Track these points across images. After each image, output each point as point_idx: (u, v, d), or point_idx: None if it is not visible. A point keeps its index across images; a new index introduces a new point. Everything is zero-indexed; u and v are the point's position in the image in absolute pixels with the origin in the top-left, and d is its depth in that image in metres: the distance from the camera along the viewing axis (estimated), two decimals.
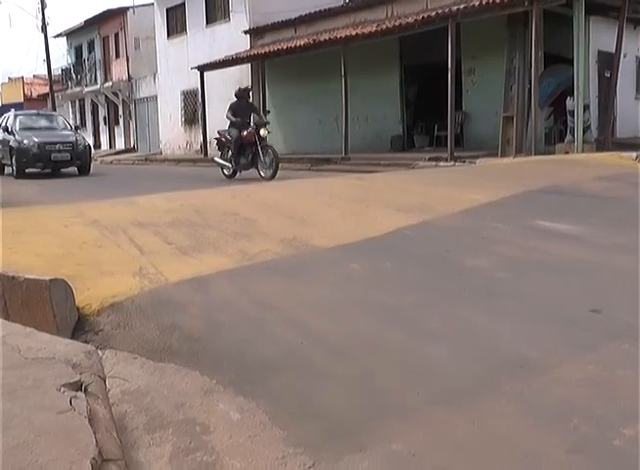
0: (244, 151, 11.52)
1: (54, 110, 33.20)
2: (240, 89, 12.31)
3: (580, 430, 2.03)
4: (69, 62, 35.02)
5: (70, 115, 35.93)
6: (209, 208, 5.42)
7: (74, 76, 33.92)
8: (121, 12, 29.33)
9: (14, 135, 15.20)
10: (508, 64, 13.44)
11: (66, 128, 16.54)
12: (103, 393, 2.03)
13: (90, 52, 32.92)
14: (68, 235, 4.35)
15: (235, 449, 1.93)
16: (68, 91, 34.61)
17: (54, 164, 14.94)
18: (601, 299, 3.25)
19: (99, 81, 31.78)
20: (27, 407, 1.75)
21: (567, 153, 11.97)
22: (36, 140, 14.67)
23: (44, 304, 2.95)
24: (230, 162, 11.95)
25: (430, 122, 16.55)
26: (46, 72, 33.28)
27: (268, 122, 12.39)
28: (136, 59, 28.95)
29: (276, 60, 17.94)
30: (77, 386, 1.93)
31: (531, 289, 3.45)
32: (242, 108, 11.94)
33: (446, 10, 13.38)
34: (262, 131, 11.47)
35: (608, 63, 13.71)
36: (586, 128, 12.31)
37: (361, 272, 3.71)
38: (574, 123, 12.22)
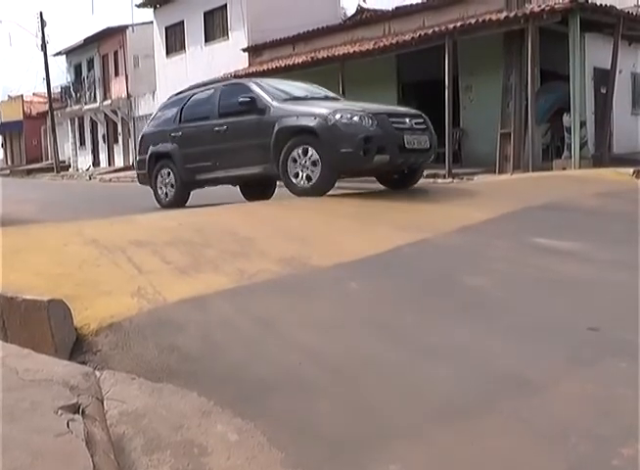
0: None
1: (53, 129, 33.44)
2: None
3: (579, 449, 2.02)
4: (69, 80, 35.31)
5: (70, 133, 36.14)
6: (208, 226, 5.43)
7: (74, 94, 34.19)
8: (121, 30, 29.65)
9: (269, 111, 7.82)
10: (505, 81, 13.55)
11: (337, 98, 9.22)
12: (100, 415, 2.03)
13: (89, 70, 33.20)
14: (66, 254, 4.34)
15: None
16: (68, 109, 34.82)
17: (407, 155, 7.51)
18: (599, 316, 3.25)
19: (98, 99, 32.02)
20: (25, 430, 1.75)
21: (564, 169, 12.03)
22: (369, 110, 7.35)
23: (42, 324, 2.95)
24: None
25: None
26: (45, 91, 33.54)
27: None
28: (135, 77, 29.20)
29: (274, 77, 18.05)
30: (75, 408, 1.93)
31: (530, 307, 3.45)
32: None
33: (443, 28, 13.53)
34: None
35: (604, 79, 13.83)
36: (583, 144, 12.39)
37: (360, 291, 3.71)
38: (571, 140, 12.30)
